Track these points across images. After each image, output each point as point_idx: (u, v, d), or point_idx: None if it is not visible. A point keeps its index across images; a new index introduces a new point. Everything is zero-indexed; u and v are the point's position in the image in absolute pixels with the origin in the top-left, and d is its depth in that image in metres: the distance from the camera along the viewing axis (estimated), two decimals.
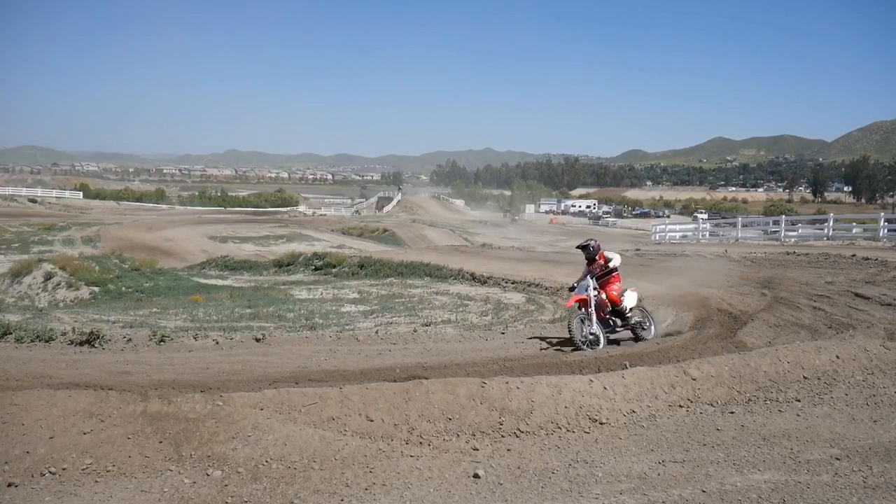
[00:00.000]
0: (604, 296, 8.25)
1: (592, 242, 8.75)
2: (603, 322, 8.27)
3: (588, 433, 4.75)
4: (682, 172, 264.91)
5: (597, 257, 8.62)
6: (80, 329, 8.83)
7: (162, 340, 8.56)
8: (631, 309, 8.46)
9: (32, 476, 3.75)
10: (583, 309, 8.20)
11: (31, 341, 8.38)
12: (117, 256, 24.49)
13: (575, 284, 8.70)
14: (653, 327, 8.63)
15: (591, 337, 7.93)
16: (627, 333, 8.61)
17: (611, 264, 8.57)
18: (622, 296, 8.44)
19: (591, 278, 8.34)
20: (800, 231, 26.31)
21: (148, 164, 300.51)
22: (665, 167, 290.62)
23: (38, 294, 16.90)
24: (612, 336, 8.47)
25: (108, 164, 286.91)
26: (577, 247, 9.00)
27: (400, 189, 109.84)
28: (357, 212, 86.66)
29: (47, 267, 18.46)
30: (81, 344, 8.30)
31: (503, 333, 9.59)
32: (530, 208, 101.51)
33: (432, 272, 17.13)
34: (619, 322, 8.34)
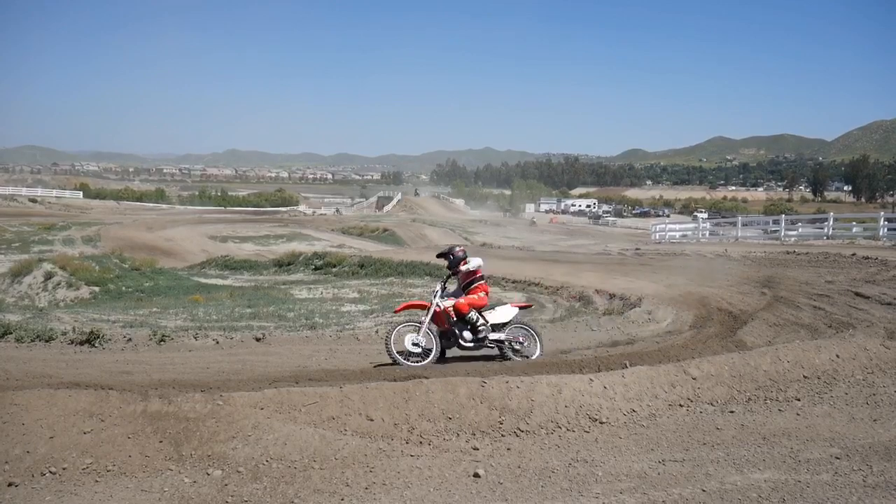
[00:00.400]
0: (448, 304, 7.21)
1: (457, 249, 7.84)
2: (447, 334, 7.25)
3: (588, 432, 4.75)
4: (682, 172, 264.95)
5: (460, 264, 7.61)
6: (81, 329, 8.84)
7: (162, 340, 8.56)
8: (501, 325, 7.38)
9: (32, 476, 3.75)
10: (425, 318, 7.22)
11: (32, 341, 8.39)
12: (117, 256, 24.52)
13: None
14: (537, 348, 7.42)
15: (413, 348, 6.88)
16: (494, 350, 7.49)
17: (462, 267, 7.51)
18: (489, 309, 7.46)
19: (441, 284, 7.49)
20: (800, 230, 26.27)
21: (148, 164, 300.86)
22: (665, 166, 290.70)
23: (38, 294, 16.91)
24: (469, 352, 7.36)
25: (108, 164, 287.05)
26: (438, 255, 8.03)
27: (417, 192, 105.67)
28: (337, 211, 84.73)
29: (47, 267, 18.47)
30: (81, 344, 8.31)
31: None
32: (530, 207, 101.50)
33: (432, 271, 17.13)
34: (468, 336, 7.16)
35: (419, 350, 6.94)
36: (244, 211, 76.23)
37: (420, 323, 7.13)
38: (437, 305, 7.22)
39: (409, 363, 6.81)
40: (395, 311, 8.05)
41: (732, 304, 10.66)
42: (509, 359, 7.28)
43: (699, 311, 10.57)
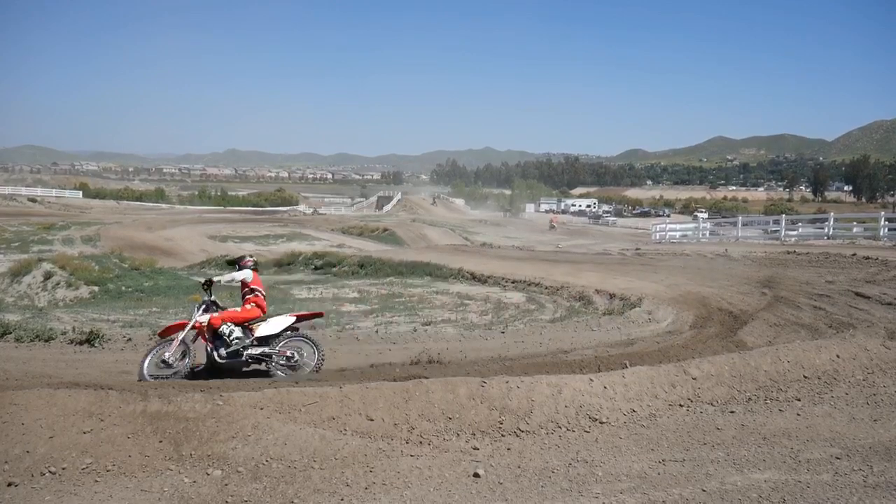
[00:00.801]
0: (204, 319, 6.83)
1: (246, 258, 7.55)
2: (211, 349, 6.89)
3: (588, 432, 4.75)
4: (683, 172, 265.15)
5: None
6: (80, 328, 8.84)
7: None
8: (272, 337, 6.92)
9: (32, 475, 3.75)
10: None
11: (31, 341, 8.39)
12: (117, 256, 24.50)
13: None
14: (312, 362, 6.88)
15: (160, 366, 6.51)
16: (263, 366, 6.95)
17: (222, 280, 7.18)
18: (257, 322, 7.03)
19: (205, 298, 7.06)
20: (800, 230, 26.26)
21: (148, 164, 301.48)
22: (665, 166, 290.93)
23: (37, 293, 16.89)
24: (233, 367, 6.84)
25: (108, 164, 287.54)
26: (228, 262, 7.49)
27: (434, 201, 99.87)
28: (316, 211, 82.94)
29: (47, 266, 18.44)
30: (81, 343, 8.32)
31: (503, 333, 9.60)
32: (530, 207, 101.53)
33: (432, 271, 17.13)
34: (222, 352, 6.77)
35: (165, 367, 6.50)
36: (244, 211, 76.17)
37: (170, 341, 6.70)
38: (196, 321, 6.80)
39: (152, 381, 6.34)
40: (159, 334, 7.31)
41: (733, 304, 10.65)
42: (273, 375, 6.70)
43: (699, 311, 10.57)
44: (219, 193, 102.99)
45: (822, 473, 3.83)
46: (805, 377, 5.74)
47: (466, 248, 29.14)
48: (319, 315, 7.84)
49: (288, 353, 6.85)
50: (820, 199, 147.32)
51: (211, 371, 6.82)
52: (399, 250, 29.00)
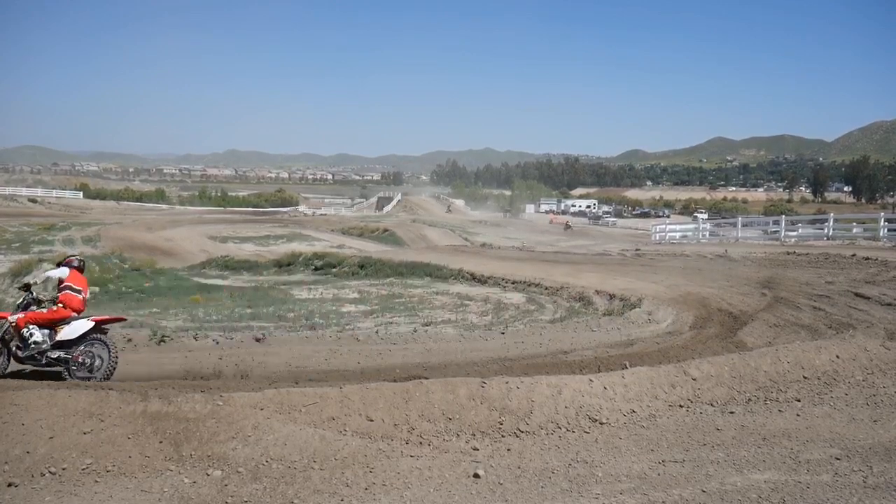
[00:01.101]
0: (14, 318, 6.88)
1: (70, 257, 7.61)
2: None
3: (588, 433, 4.75)
4: (682, 172, 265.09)
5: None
6: None
7: (162, 340, 8.58)
8: (75, 340, 6.85)
9: (32, 476, 3.76)
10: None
11: None
12: (117, 256, 24.54)
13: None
14: (101, 368, 6.77)
15: None
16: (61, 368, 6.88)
17: (38, 279, 7.30)
18: (63, 322, 6.94)
19: (28, 295, 7.13)
20: (800, 231, 26.25)
21: (148, 164, 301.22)
22: (665, 167, 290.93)
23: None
24: (40, 368, 6.85)
25: (109, 164, 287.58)
26: (57, 265, 7.65)
27: (449, 209, 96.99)
28: (301, 212, 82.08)
29: (47, 267, 18.45)
30: None
31: (503, 333, 9.60)
32: (530, 208, 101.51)
33: (432, 272, 17.14)
34: (23, 354, 6.79)
35: None
36: (244, 211, 76.12)
37: None
38: (9, 320, 6.89)
39: None
40: None
41: (733, 305, 10.66)
42: (65, 378, 6.63)
43: (699, 311, 10.57)
44: (219, 194, 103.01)
45: (822, 474, 3.84)
46: (805, 378, 5.75)
47: (466, 248, 29.14)
48: (122, 319, 7.69)
49: (80, 359, 6.77)
50: (820, 199, 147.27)
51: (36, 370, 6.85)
52: (399, 251, 29.00)
